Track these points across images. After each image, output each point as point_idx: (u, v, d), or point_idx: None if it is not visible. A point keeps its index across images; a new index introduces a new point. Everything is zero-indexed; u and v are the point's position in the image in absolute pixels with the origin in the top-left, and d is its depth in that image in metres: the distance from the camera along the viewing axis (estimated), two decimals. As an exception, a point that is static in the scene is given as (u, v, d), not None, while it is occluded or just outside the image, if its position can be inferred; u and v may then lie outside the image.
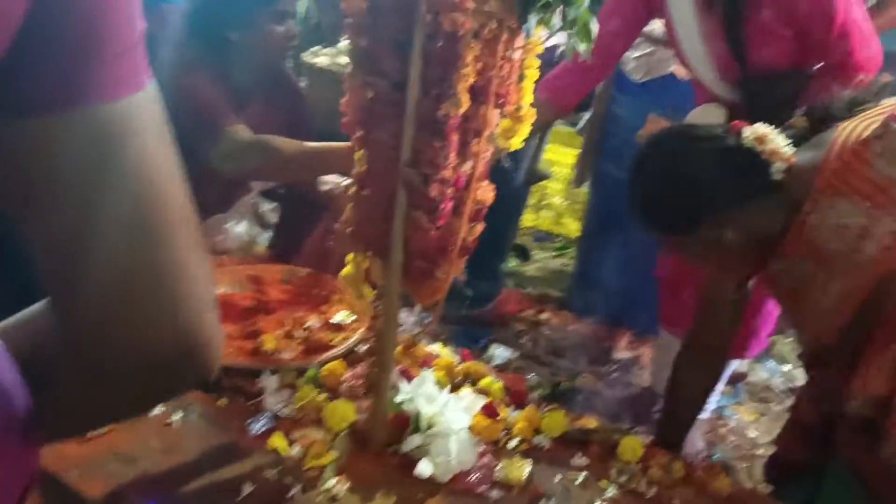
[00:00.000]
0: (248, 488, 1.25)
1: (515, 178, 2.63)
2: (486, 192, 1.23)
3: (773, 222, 1.38)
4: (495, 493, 1.30)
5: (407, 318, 1.80)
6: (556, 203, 3.37)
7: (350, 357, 1.62)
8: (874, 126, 1.26)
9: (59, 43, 0.40)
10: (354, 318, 1.73)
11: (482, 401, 1.49)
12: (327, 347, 1.62)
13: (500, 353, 2.53)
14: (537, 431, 1.48)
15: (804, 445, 1.68)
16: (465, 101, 1.10)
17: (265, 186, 1.95)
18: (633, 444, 1.44)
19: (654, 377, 2.41)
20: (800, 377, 2.72)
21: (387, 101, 1.17)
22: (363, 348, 1.66)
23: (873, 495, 1.48)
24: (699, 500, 1.35)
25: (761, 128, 1.38)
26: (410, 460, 1.34)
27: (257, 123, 1.74)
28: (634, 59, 2.57)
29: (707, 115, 1.90)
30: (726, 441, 2.32)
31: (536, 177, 2.90)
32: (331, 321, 1.72)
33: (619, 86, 2.73)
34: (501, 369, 2.39)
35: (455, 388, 1.56)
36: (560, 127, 3.19)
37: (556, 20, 1.06)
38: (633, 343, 2.75)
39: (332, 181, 1.92)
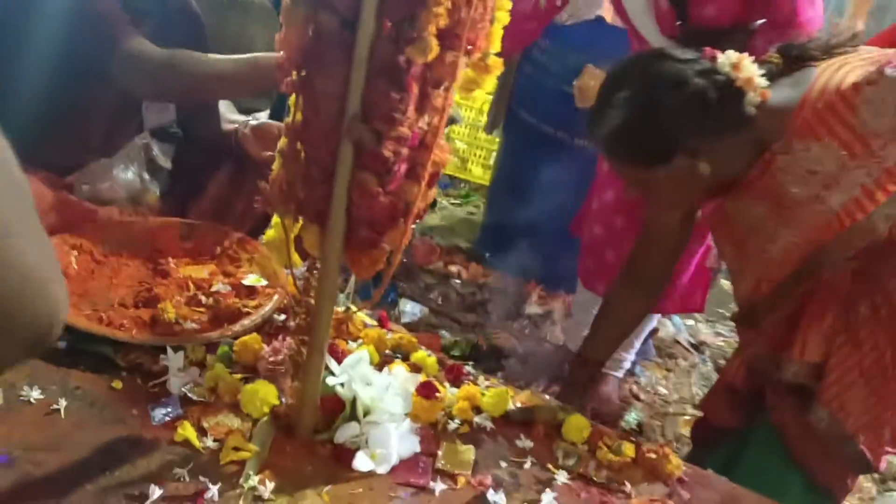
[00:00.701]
0: (155, 492, 1.06)
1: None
2: (443, 153, 1.06)
3: (739, 158, 1.31)
4: (440, 486, 1.18)
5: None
6: (461, 148, 3.23)
7: (265, 328, 1.44)
8: (863, 71, 1.19)
9: None
10: (266, 281, 1.53)
11: (417, 378, 1.35)
12: (239, 316, 1.43)
13: (409, 308, 2.40)
14: (477, 410, 1.37)
15: (732, 410, 1.66)
16: (434, 47, 0.92)
17: (157, 124, 1.68)
18: (578, 424, 1.35)
19: (569, 334, 2.36)
20: (704, 332, 2.76)
21: (334, 40, 0.98)
22: (280, 318, 1.48)
23: (796, 459, 1.48)
24: (651, 483, 1.28)
25: (736, 55, 1.29)
26: (343, 450, 1.19)
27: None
28: (561, 0, 2.42)
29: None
30: (638, 399, 2.31)
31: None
32: (243, 283, 1.52)
33: (540, 28, 2.58)
34: (412, 327, 2.26)
35: (385, 364, 1.41)
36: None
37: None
38: (544, 297, 2.69)
39: (236, 119, 1.68)
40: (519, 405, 1.40)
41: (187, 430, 1.17)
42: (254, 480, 1.11)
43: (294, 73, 1.03)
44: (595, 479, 1.27)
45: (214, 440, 1.18)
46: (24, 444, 1.10)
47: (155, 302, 1.41)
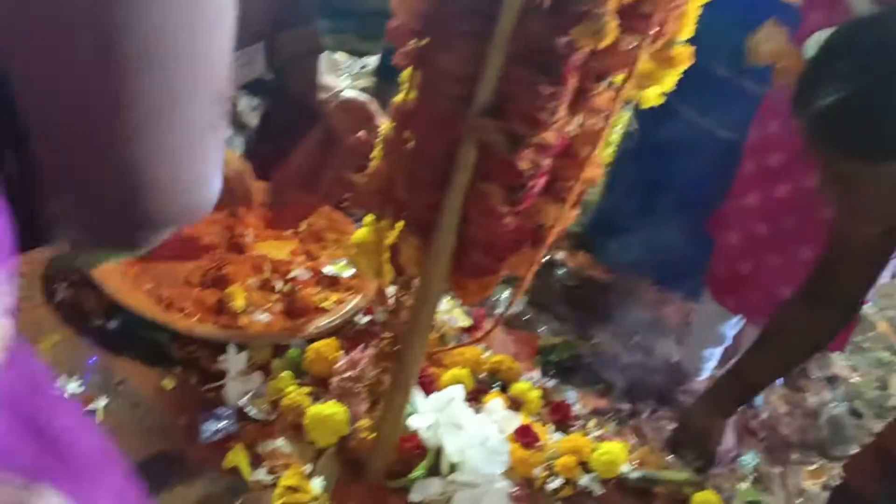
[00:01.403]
0: (190, 532, 0.87)
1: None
2: (596, 169, 0.80)
3: None
4: (531, 571, 0.95)
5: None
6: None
7: (344, 330, 1.23)
8: None
9: None
10: (353, 270, 1.32)
11: (516, 420, 1.11)
12: (316, 312, 1.22)
13: (506, 297, 2.15)
14: (584, 468, 1.12)
15: (886, 482, 1.36)
16: (613, 30, 0.65)
17: (243, 79, 1.47)
18: (709, 501, 1.09)
19: (686, 352, 2.07)
20: (838, 364, 2.41)
21: (465, 4, 0.72)
22: (363, 320, 1.26)
23: None
24: None
25: None
26: (418, 506, 0.97)
27: None
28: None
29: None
30: (756, 437, 2.01)
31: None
32: (323, 272, 1.31)
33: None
34: (508, 321, 2.02)
35: (479, 393, 1.18)
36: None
37: None
38: (657, 300, 2.39)
39: (334, 85, 1.45)
40: (635, 468, 1.14)
41: (239, 457, 0.98)
42: (308, 532, 0.91)
43: (411, 40, 0.78)
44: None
45: (269, 472, 0.98)
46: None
47: (224, 283, 1.22)
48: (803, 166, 1.67)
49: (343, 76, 3.04)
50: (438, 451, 0.98)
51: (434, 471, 0.98)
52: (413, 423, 0.99)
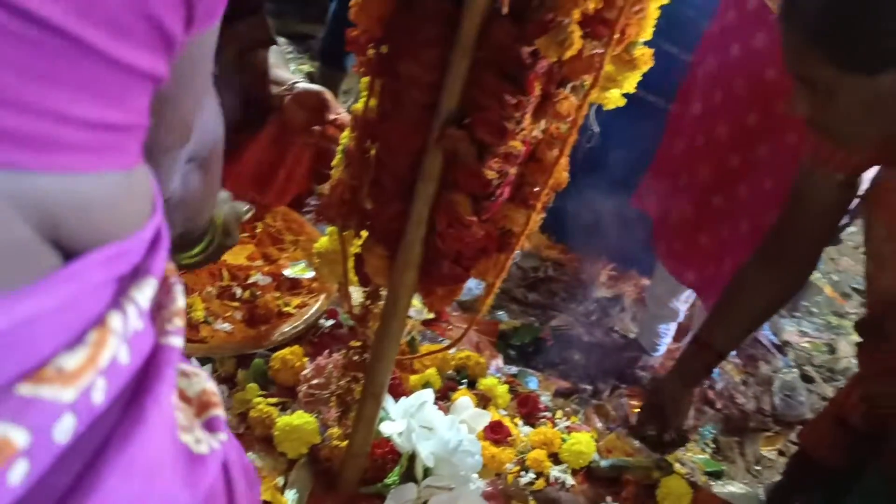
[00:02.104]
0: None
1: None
2: (562, 172, 0.79)
3: None
4: (510, 569, 0.96)
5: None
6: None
7: (308, 335, 1.21)
8: None
9: None
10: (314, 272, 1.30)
11: (486, 417, 1.12)
12: (278, 318, 1.20)
13: (468, 284, 2.15)
14: (555, 459, 1.14)
15: (840, 448, 1.40)
16: (577, 41, 0.64)
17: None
18: (677, 489, 1.12)
19: (642, 329, 2.11)
20: (788, 329, 2.48)
21: (430, 11, 0.70)
22: (327, 324, 1.24)
23: None
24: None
25: None
26: (395, 512, 0.97)
27: None
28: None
29: None
30: (713, 409, 2.06)
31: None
32: (284, 274, 1.28)
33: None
34: (468, 306, 2.02)
35: (448, 390, 1.18)
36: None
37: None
38: (614, 279, 2.42)
39: (285, 78, 1.42)
40: (604, 457, 1.16)
41: (209, 475, 0.96)
42: (285, 547, 0.90)
43: (371, 49, 0.76)
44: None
45: (241, 487, 0.96)
46: None
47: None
48: (731, 137, 1.68)
49: (288, 62, 2.98)
50: (412, 457, 0.97)
51: (408, 476, 0.97)
52: (385, 429, 0.98)
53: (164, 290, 0.43)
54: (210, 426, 0.45)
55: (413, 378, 1.16)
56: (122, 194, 0.38)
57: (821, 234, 1.27)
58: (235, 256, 1.30)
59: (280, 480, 0.99)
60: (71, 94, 0.33)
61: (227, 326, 1.16)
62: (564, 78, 0.73)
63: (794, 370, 2.29)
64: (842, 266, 2.90)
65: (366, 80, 0.80)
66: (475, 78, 0.71)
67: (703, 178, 1.78)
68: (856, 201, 1.25)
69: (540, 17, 0.65)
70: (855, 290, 2.77)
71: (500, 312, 2.18)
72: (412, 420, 0.98)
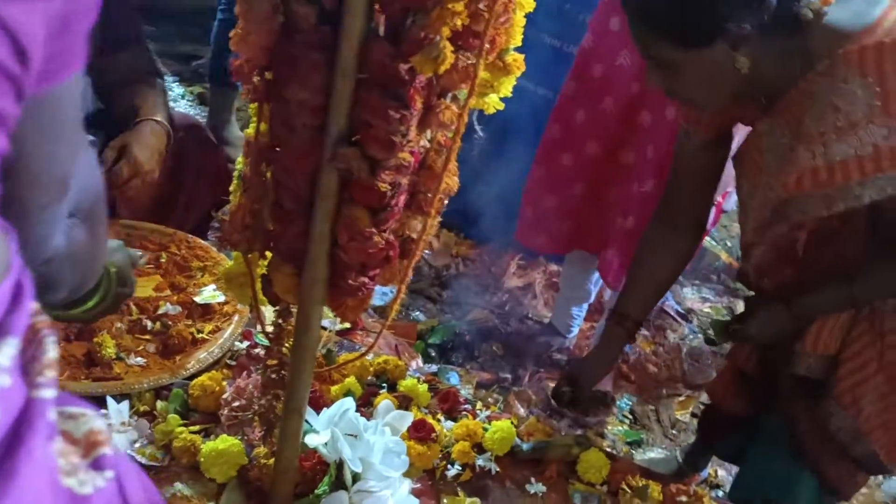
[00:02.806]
0: None
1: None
2: (451, 177, 0.83)
3: (781, 70, 1.12)
4: (447, 559, 1.00)
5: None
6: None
7: (225, 358, 1.22)
8: None
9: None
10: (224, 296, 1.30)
11: (408, 417, 1.15)
12: (193, 345, 1.20)
13: (383, 290, 2.18)
14: (479, 448, 1.18)
15: (742, 397, 1.52)
16: (449, 56, 0.68)
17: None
18: (596, 461, 1.18)
19: (556, 313, 2.18)
20: (690, 297, 2.61)
21: (310, 38, 0.73)
22: (243, 345, 1.25)
23: (804, 455, 1.35)
24: (683, 534, 1.13)
25: None
26: (329, 521, 0.99)
27: None
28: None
29: None
30: (629, 381, 2.16)
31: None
32: (195, 301, 1.28)
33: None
34: (382, 311, 2.05)
35: (369, 396, 1.21)
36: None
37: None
38: (523, 268, 2.49)
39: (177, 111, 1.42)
40: (525, 441, 1.21)
41: (138, 510, 0.96)
42: (223, 570, 0.91)
43: (257, 77, 0.78)
44: (621, 530, 1.11)
45: (172, 519, 0.97)
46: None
47: (90, 333, 1.17)
48: (606, 123, 1.77)
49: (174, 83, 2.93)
50: (340, 465, 1.00)
51: (338, 484, 1.00)
52: (310, 441, 1.00)
53: (36, 343, 0.43)
54: (97, 465, 0.46)
55: (334, 388, 1.18)
56: None
57: (703, 192, 1.38)
58: (142, 289, 1.28)
59: (212, 508, 1.00)
60: None
61: (140, 360, 1.16)
62: (444, 89, 0.78)
63: (699, 335, 2.42)
64: (734, 232, 3.07)
65: (254, 105, 0.82)
66: (360, 97, 0.74)
67: (553, 136, 1.84)
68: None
69: (413, 35, 0.69)
70: (747, 253, 2.93)
71: (417, 313, 2.22)
72: (336, 429, 1.01)
